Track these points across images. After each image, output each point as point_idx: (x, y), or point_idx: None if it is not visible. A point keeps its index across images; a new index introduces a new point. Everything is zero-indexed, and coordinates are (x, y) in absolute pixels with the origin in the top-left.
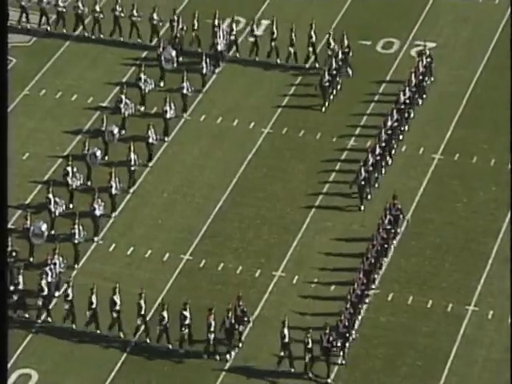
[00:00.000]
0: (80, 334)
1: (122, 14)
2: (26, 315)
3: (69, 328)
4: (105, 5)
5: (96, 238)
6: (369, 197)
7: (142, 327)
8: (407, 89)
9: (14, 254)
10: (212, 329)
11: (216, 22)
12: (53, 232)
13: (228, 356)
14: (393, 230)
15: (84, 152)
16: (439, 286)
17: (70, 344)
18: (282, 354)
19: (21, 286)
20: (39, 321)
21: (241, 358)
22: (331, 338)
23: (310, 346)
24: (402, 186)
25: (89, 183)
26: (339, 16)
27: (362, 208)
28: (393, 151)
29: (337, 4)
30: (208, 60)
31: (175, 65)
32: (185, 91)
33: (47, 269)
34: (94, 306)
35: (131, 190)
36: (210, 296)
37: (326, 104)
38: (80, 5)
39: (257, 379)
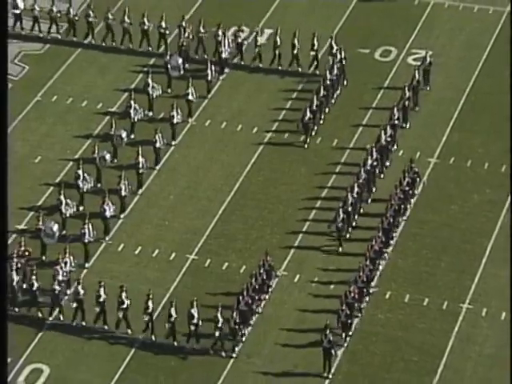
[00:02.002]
0: (90, 331)
1: (127, 22)
2: (39, 313)
3: (79, 325)
4: (113, 13)
5: (105, 238)
6: (348, 236)
7: (149, 325)
8: (395, 109)
9: (26, 253)
10: (219, 325)
11: (220, 31)
12: (64, 232)
13: (232, 352)
14: (410, 192)
15: (94, 155)
16: (435, 285)
17: (80, 340)
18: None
19: (34, 285)
20: (50, 318)
21: (244, 354)
22: (331, 339)
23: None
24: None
25: (99, 185)
26: (339, 25)
27: (340, 249)
28: (373, 189)
29: (336, 14)
30: (213, 67)
31: (181, 72)
32: (190, 97)
33: (58, 268)
34: (101, 300)
35: (139, 192)
36: (215, 294)
37: (308, 140)
38: (91, 13)
39: (259, 374)
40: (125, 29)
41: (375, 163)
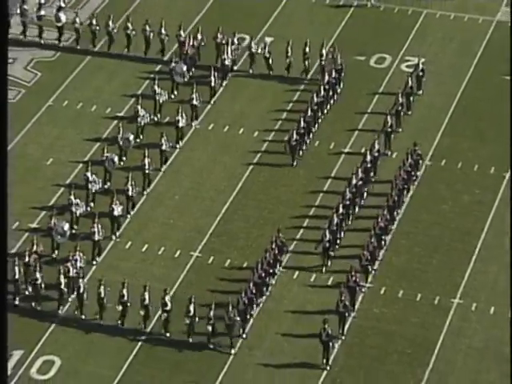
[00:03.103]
0: (99, 325)
1: (134, 32)
2: (50, 307)
3: (87, 318)
4: (114, 20)
5: (114, 237)
6: (333, 254)
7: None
8: (388, 117)
9: (38, 251)
10: (212, 322)
11: (224, 39)
12: (74, 231)
13: (233, 347)
14: (413, 173)
15: (103, 158)
16: (427, 281)
17: (89, 333)
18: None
19: (39, 280)
20: (61, 312)
21: (246, 348)
22: (329, 332)
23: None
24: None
25: (107, 186)
26: (336, 34)
27: (324, 270)
28: (356, 209)
29: (333, 23)
30: (216, 73)
31: (186, 78)
32: (195, 102)
33: (69, 264)
34: (124, 299)
35: (146, 193)
36: (218, 290)
37: (295, 163)
38: (94, 22)
39: (260, 366)
40: (128, 35)
41: (360, 182)
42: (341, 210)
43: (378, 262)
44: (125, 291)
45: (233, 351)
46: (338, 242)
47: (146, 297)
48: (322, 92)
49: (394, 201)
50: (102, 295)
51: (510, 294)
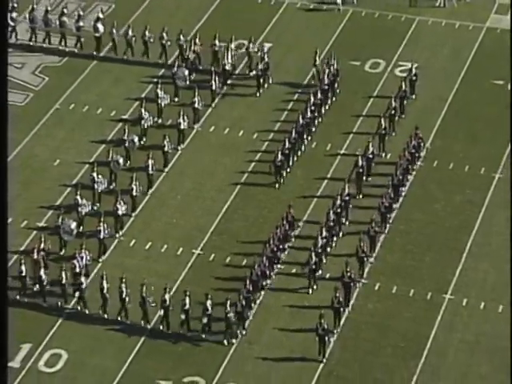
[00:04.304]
0: (104, 320)
1: (134, 37)
2: (58, 303)
3: (93, 313)
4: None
5: (118, 235)
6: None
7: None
8: (382, 120)
9: (46, 249)
10: (208, 312)
11: (224, 44)
12: (81, 229)
13: (234, 340)
14: (416, 154)
15: (108, 159)
16: (420, 278)
17: (95, 327)
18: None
19: (44, 277)
20: (68, 307)
21: (246, 341)
22: (326, 327)
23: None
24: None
25: (112, 186)
26: (332, 40)
27: (311, 291)
28: (340, 234)
29: (330, 29)
30: (217, 78)
31: (188, 82)
32: (196, 105)
33: (75, 261)
34: (124, 295)
35: (149, 193)
36: (218, 286)
37: (277, 186)
38: (99, 27)
39: (259, 359)
40: (128, 41)
41: (339, 211)
42: (324, 233)
43: (374, 256)
44: (144, 290)
45: (234, 341)
46: (324, 262)
47: (167, 297)
48: (319, 95)
49: (399, 179)
50: (105, 291)
51: (511, 292)
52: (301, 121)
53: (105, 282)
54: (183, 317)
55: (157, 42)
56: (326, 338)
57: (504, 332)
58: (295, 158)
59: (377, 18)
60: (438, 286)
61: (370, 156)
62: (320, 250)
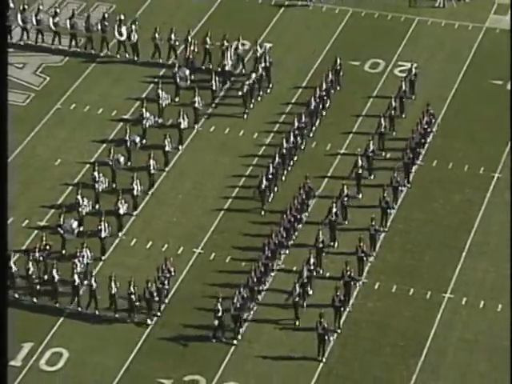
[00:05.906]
0: (105, 318)
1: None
2: (58, 301)
3: (94, 313)
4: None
5: (119, 234)
6: (305, 304)
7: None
8: (382, 119)
9: (47, 248)
10: (219, 314)
11: (224, 45)
12: (82, 228)
13: (235, 339)
14: (429, 130)
15: (109, 159)
16: (419, 277)
17: (96, 326)
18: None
19: (55, 277)
20: (69, 306)
21: (246, 340)
22: (325, 326)
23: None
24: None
25: (113, 186)
26: (332, 40)
27: (297, 323)
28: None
29: (330, 29)
30: (217, 78)
31: (188, 82)
32: (197, 105)
33: (76, 260)
34: (119, 292)
35: (150, 192)
36: (218, 284)
37: (262, 213)
38: (105, 27)
39: (259, 358)
40: (156, 44)
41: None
42: (312, 260)
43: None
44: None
45: (235, 341)
46: (309, 292)
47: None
48: (318, 93)
49: (409, 158)
50: (113, 291)
51: (510, 291)
52: (312, 102)
53: (113, 283)
54: (216, 323)
55: (165, 42)
56: (326, 337)
57: (503, 331)
58: (295, 158)
59: (376, 19)
60: (437, 285)
61: (370, 154)
62: (306, 280)
